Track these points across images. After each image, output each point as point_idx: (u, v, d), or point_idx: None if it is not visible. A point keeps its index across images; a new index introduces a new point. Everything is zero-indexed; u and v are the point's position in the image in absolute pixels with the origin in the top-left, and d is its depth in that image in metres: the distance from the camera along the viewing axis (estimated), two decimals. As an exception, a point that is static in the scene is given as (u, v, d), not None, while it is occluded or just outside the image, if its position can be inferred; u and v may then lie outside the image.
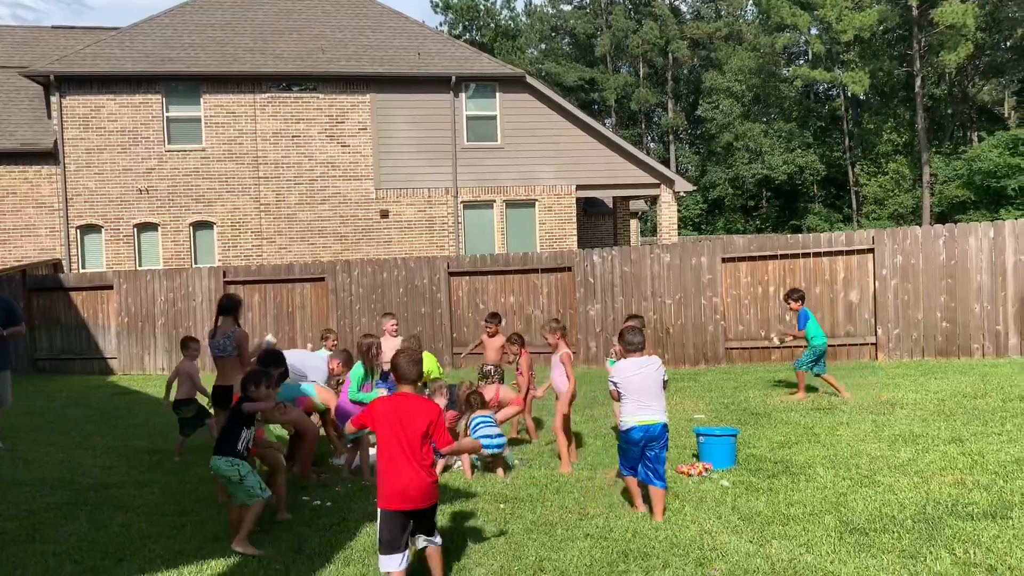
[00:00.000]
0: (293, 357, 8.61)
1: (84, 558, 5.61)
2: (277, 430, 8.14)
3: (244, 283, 17.14)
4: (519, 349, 9.41)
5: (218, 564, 5.44)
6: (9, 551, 5.76)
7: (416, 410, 4.72)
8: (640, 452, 6.13)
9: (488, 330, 10.36)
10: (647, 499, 6.21)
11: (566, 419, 7.83)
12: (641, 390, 6.18)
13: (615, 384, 6.30)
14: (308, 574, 5.22)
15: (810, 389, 10.72)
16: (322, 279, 16.82)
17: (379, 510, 4.71)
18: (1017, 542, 5.10)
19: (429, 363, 9.44)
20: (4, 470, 7.65)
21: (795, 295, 10.87)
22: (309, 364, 9.09)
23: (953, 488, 6.28)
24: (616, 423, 6.51)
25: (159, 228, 21.85)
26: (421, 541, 4.85)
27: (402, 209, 22.70)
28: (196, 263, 21.77)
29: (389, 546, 4.66)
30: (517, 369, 9.47)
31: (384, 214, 22.55)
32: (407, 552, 4.74)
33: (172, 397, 9.27)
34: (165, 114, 21.74)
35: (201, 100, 21.89)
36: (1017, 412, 8.73)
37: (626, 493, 6.51)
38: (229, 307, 7.44)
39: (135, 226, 21.72)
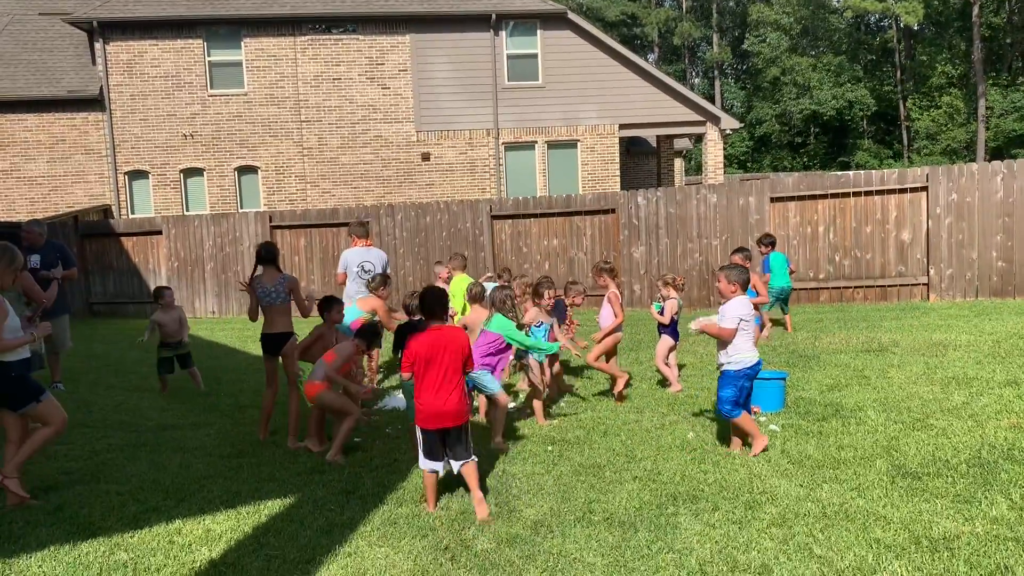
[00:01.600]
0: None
1: (147, 498, 5.80)
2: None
3: (290, 227, 17.31)
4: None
5: (274, 504, 5.59)
6: (76, 490, 5.98)
7: (451, 341, 5.34)
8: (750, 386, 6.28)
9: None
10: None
11: (605, 354, 8.04)
12: (754, 326, 6.36)
13: (742, 319, 6.12)
14: (362, 514, 5.34)
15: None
16: (366, 223, 16.86)
17: (418, 428, 5.42)
18: (1076, 487, 5.02)
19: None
20: (66, 412, 7.90)
21: (766, 240, 11.46)
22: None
23: (1009, 432, 6.17)
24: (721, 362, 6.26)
25: (204, 173, 22.07)
26: (456, 465, 5.39)
27: (443, 152, 22.59)
28: (242, 208, 22.00)
29: (430, 455, 5.42)
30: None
31: (426, 157, 22.47)
32: (446, 460, 5.40)
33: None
34: (207, 58, 21.77)
35: (242, 44, 21.85)
36: (1076, 354, 8.52)
37: (733, 432, 6.33)
38: (270, 256, 7.43)
39: (181, 171, 21.96)
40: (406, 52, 22.23)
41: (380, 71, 22.24)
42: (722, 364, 6.23)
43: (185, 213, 21.44)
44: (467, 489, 5.39)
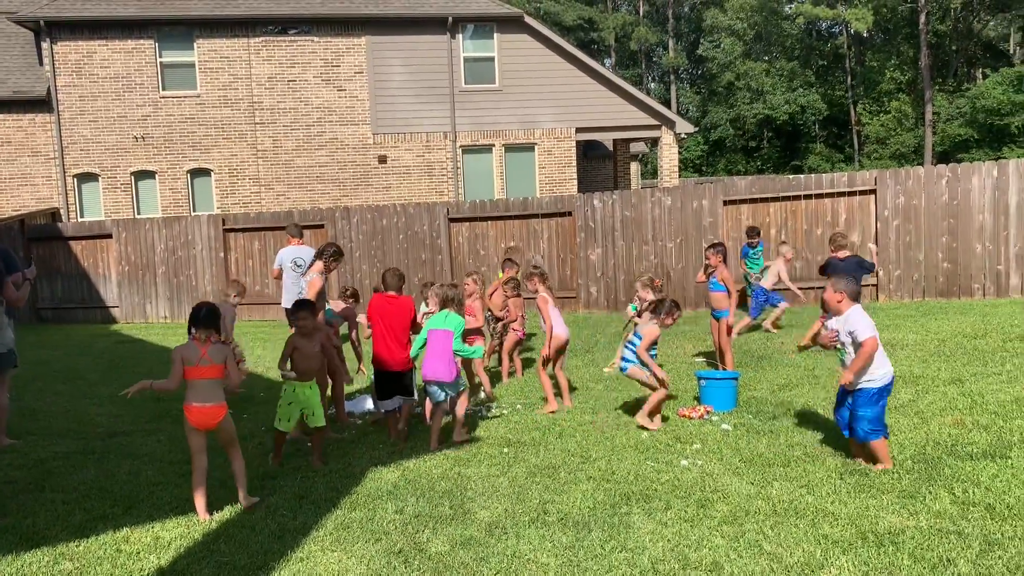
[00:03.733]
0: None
1: (94, 506, 5.68)
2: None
3: (244, 231, 17.10)
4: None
5: (226, 510, 5.52)
6: (20, 499, 5.84)
7: (398, 307, 7.21)
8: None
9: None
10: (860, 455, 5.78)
11: (545, 361, 8.00)
12: None
13: (875, 335, 5.51)
14: (315, 519, 5.29)
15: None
16: (321, 226, 16.75)
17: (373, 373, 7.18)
18: (1016, 481, 5.17)
19: None
20: (12, 420, 7.71)
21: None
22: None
23: (953, 428, 6.33)
24: (848, 381, 5.65)
25: (156, 176, 21.70)
26: (397, 400, 7.16)
27: (400, 154, 22.50)
28: (195, 211, 21.67)
29: (382, 394, 7.19)
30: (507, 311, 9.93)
31: (382, 159, 22.37)
32: (396, 399, 7.15)
33: None
34: (158, 59, 21.41)
35: (195, 45, 21.53)
36: (1017, 352, 8.77)
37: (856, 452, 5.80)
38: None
39: (132, 174, 21.56)
40: (362, 54, 22.10)
41: (336, 73, 22.09)
42: (859, 383, 5.60)
43: (136, 216, 21.05)
44: (421, 497, 5.38)
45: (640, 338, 7.14)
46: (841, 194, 14.09)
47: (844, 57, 52.71)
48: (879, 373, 5.56)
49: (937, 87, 47.02)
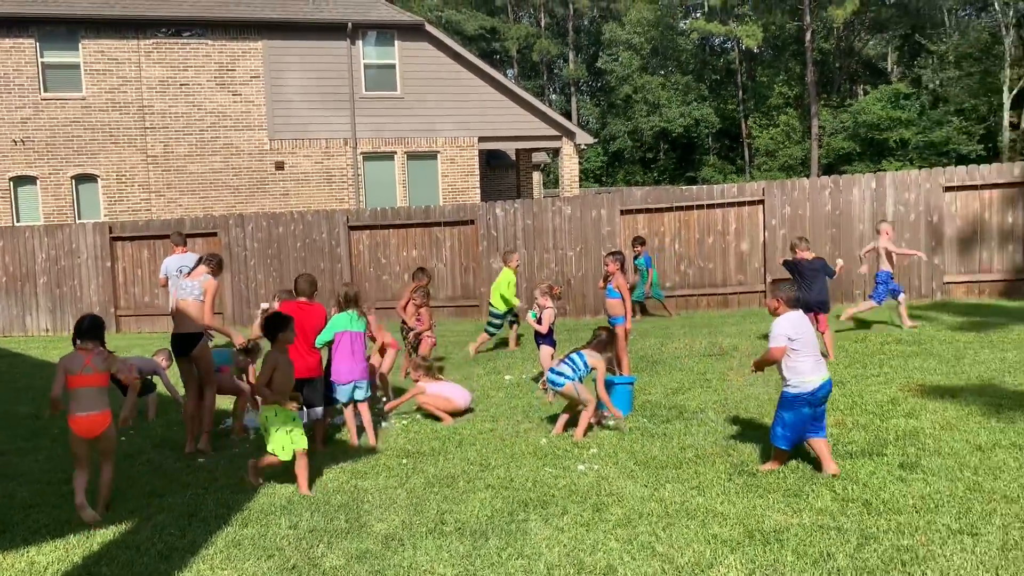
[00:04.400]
0: None
1: (-38, 531, 5.35)
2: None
3: (132, 239, 16.44)
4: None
5: (108, 531, 5.28)
6: None
7: (307, 314, 7.09)
8: (814, 412, 5.64)
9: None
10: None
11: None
12: (815, 344, 5.70)
13: (792, 339, 5.53)
14: (204, 537, 5.12)
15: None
16: (215, 234, 16.26)
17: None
18: (890, 477, 5.44)
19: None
20: None
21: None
22: None
23: (834, 428, 6.62)
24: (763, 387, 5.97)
25: (38, 181, 20.62)
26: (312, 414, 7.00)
27: (298, 161, 22.07)
28: (80, 218, 20.70)
29: (308, 404, 6.93)
30: (417, 319, 9.96)
31: (279, 166, 21.88)
32: (317, 409, 7.08)
33: None
34: (40, 60, 20.37)
35: (80, 45, 20.59)
36: (894, 354, 9.25)
37: (774, 459, 5.81)
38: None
39: (11, 179, 20.43)
40: (259, 58, 21.60)
41: (231, 77, 21.51)
42: (784, 386, 5.70)
43: (15, 224, 19.95)
44: (316, 511, 5.29)
45: (583, 361, 7.09)
46: (732, 204, 14.59)
47: (736, 72, 54.71)
48: (802, 378, 5.55)
49: (822, 102, 49.34)
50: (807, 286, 9.35)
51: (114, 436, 5.72)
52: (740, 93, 54.10)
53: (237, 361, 8.33)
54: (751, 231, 14.50)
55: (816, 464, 5.72)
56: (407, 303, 10.19)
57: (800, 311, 5.75)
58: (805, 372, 5.55)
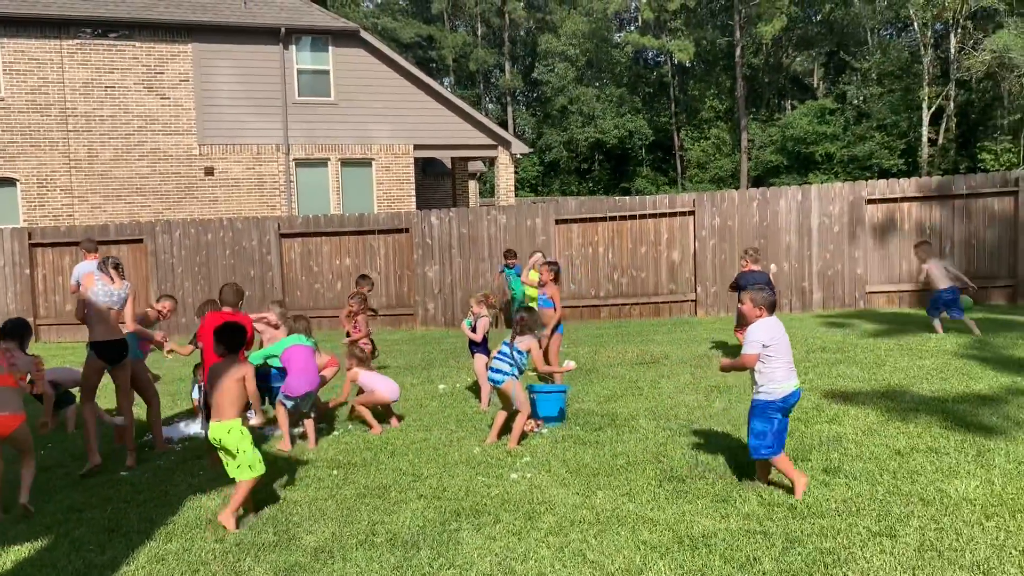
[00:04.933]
0: None
1: None
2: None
3: (52, 245, 15.91)
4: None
5: (23, 548, 5.07)
6: None
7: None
8: (783, 421, 5.49)
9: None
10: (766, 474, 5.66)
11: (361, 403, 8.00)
12: (789, 350, 5.56)
13: (766, 345, 5.41)
14: (126, 553, 4.96)
15: None
16: (140, 240, 15.83)
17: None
18: (814, 482, 5.57)
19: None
20: None
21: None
22: None
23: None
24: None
25: (-49, 185, 19.78)
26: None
27: (229, 166, 21.64)
28: (-4, 223, 19.91)
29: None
30: (355, 327, 9.74)
31: (209, 171, 21.42)
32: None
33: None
34: (-46, 58, 19.58)
35: (-3, 43, 19.85)
36: (819, 362, 9.51)
37: (760, 472, 5.68)
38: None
39: (-79, 182, 19.56)
40: (188, 61, 21.13)
41: (159, 80, 20.99)
42: (754, 393, 5.57)
43: (-74, 228, 19.08)
44: (243, 524, 5.21)
45: (516, 349, 7.11)
46: (664, 215, 14.84)
47: (669, 85, 55.74)
48: (774, 385, 5.44)
49: (752, 116, 50.62)
50: None
51: (27, 438, 5.78)
52: (672, 106, 55.14)
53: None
54: (682, 241, 14.76)
55: (749, 474, 5.81)
56: (348, 311, 10.08)
57: (775, 317, 5.65)
58: (778, 379, 5.45)
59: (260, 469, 5.48)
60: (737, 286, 9.83)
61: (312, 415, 7.45)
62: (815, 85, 54.55)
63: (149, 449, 7.62)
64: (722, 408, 7.76)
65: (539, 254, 11.69)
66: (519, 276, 13.81)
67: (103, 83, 20.55)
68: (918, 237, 14.22)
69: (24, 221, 19.94)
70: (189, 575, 4.63)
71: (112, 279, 7.07)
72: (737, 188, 43.68)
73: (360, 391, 8.14)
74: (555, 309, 9.10)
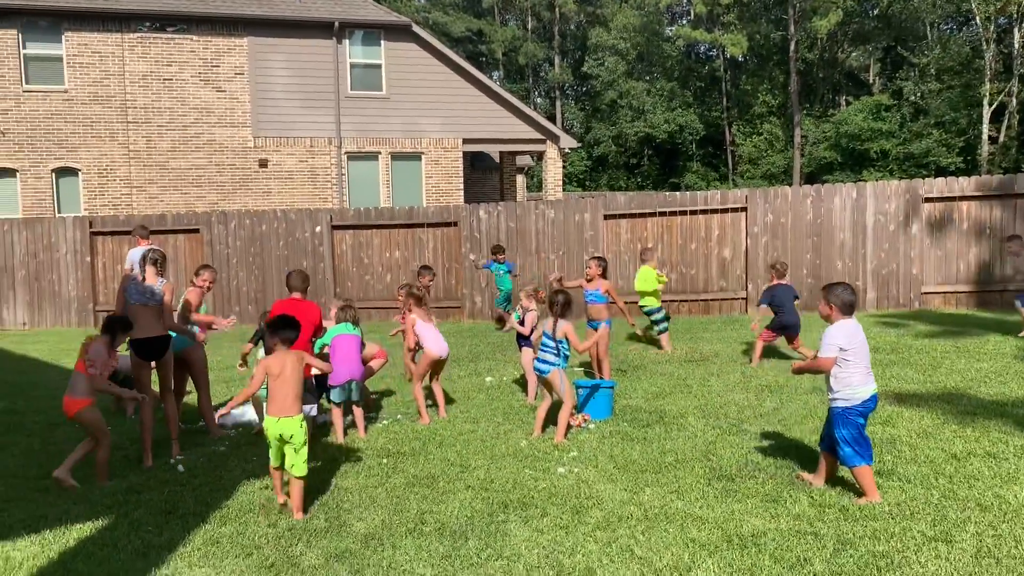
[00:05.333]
0: None
1: (-65, 526, 5.29)
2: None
3: (112, 234, 16.31)
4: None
5: (85, 527, 5.24)
6: None
7: (302, 311, 6.88)
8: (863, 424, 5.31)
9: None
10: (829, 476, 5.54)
11: (420, 375, 7.98)
12: (867, 354, 5.37)
13: (844, 350, 5.23)
14: (182, 535, 5.09)
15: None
16: (197, 230, 16.17)
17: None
18: (867, 483, 5.48)
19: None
20: None
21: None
22: None
23: (813, 435, 6.67)
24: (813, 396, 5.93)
25: (17, 174, 20.40)
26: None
27: (282, 159, 21.98)
28: (60, 212, 20.50)
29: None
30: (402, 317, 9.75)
31: (263, 163, 21.78)
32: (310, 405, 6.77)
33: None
34: (22, 51, 20.17)
35: (63, 38, 20.40)
36: (872, 363, 9.26)
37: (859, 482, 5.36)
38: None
39: (-11, 171, 20.22)
40: (243, 55, 21.50)
41: (215, 73, 21.39)
42: (830, 399, 5.38)
43: (-7, 216, 19.73)
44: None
45: (551, 338, 7.06)
46: (715, 211, 14.69)
47: (720, 80, 55.04)
48: (851, 389, 5.26)
49: (805, 112, 49.73)
50: (787, 311, 9.63)
51: (94, 419, 6.23)
52: (724, 100, 54.43)
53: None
54: (734, 238, 14.60)
55: (804, 468, 5.75)
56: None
57: (855, 319, 5.41)
58: (855, 384, 5.24)
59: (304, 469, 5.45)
60: (771, 299, 9.79)
61: (361, 404, 7.52)
62: (871, 80, 53.37)
63: (203, 434, 7.79)
64: (773, 408, 7.67)
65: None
66: (509, 272, 14.25)
67: (161, 76, 21.01)
68: (977, 237, 13.86)
69: (85, 210, 20.50)
70: (243, 558, 4.73)
71: (146, 276, 6.96)
72: (789, 185, 43.02)
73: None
74: (611, 303, 9.13)
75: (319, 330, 7.35)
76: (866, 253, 14.10)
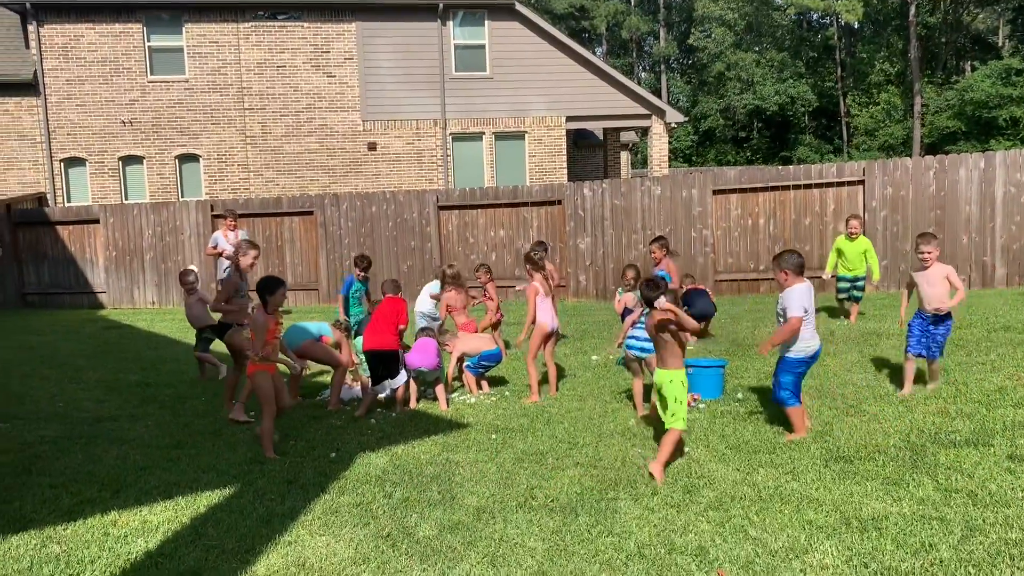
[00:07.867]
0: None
1: (81, 490, 5.68)
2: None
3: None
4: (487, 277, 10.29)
5: (213, 495, 5.52)
6: (6, 483, 5.82)
7: (394, 303, 7.98)
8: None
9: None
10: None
11: (534, 351, 7.94)
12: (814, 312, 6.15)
13: (806, 309, 5.98)
14: (303, 504, 5.30)
15: None
16: (311, 212, 16.71)
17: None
18: (998, 469, 5.22)
19: None
20: (-3, 404, 7.69)
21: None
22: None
23: (936, 416, 6.39)
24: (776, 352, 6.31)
25: (144, 161, 21.56)
26: (388, 387, 7.76)
27: (390, 141, 22.42)
28: (183, 196, 21.56)
29: (375, 380, 7.76)
30: (485, 295, 10.21)
31: (372, 146, 22.28)
32: (388, 381, 7.71)
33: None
34: (146, 43, 21.24)
35: (183, 29, 21.37)
36: (1001, 342, 8.84)
37: (784, 422, 6.35)
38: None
39: (120, 159, 21.42)
40: (352, 40, 21.99)
41: (325, 59, 21.97)
42: (789, 350, 6.12)
43: (124, 202, 20.93)
44: (409, 482, 5.52)
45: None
46: (830, 184, 14.15)
47: (834, 48, 52.81)
48: (803, 344, 6.03)
49: (926, 79, 47.19)
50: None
51: (261, 385, 6.50)
52: (839, 70, 52.24)
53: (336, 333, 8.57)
54: (850, 212, 14.02)
55: (923, 457, 5.52)
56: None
57: (807, 281, 6.06)
58: (807, 338, 6.02)
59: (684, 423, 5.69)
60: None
61: (440, 383, 7.95)
62: (1000, 44, 50.11)
63: (322, 407, 8.09)
64: (894, 388, 7.37)
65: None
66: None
67: (275, 63, 21.73)
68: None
69: (206, 194, 21.49)
70: (361, 527, 4.90)
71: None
72: (909, 156, 40.98)
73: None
74: (672, 282, 9.01)
75: (406, 323, 8.08)
76: (995, 227, 13.31)
